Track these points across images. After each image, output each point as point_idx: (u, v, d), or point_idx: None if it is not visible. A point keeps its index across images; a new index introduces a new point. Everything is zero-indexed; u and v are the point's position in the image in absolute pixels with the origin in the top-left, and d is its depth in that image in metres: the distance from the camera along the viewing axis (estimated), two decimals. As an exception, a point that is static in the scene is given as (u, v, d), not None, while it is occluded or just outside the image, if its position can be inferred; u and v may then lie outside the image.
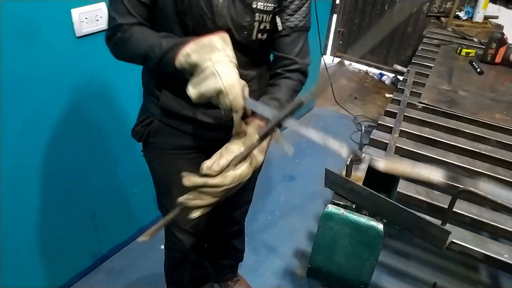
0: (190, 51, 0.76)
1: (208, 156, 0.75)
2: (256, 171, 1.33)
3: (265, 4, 0.89)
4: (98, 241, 1.76)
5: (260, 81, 1.05)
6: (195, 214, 0.73)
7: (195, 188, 0.69)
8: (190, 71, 0.77)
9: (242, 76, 0.94)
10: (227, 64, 0.75)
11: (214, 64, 0.74)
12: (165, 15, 0.90)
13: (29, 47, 1.19)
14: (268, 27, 0.93)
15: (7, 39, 1.13)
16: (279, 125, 0.73)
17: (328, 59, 4.28)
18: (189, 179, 0.68)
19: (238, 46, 0.92)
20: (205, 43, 0.77)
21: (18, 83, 1.21)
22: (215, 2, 0.87)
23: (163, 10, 0.89)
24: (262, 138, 0.73)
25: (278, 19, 0.93)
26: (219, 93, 0.74)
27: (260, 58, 1.03)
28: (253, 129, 0.79)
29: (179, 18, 0.89)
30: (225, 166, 0.70)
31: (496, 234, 0.91)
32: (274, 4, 0.91)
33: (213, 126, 1.02)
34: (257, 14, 0.89)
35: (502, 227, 0.89)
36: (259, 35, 0.93)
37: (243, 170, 0.72)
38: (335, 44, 4.27)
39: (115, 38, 0.89)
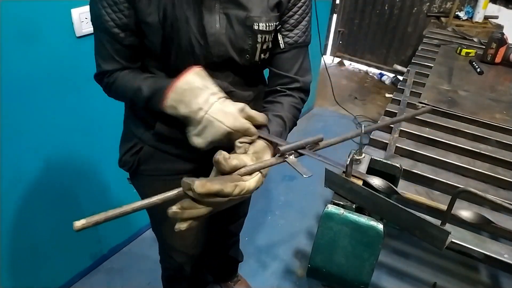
0: (174, 102, 0.73)
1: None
2: None
3: (268, 24, 0.83)
4: (98, 241, 1.76)
5: (260, 99, 1.00)
6: (184, 225, 0.63)
7: (205, 196, 0.59)
8: (185, 121, 0.74)
9: (244, 98, 0.91)
10: (219, 104, 0.71)
11: (207, 111, 0.70)
12: (151, 45, 0.83)
13: (29, 47, 1.19)
14: (270, 46, 0.88)
15: (7, 39, 1.13)
16: (297, 150, 0.71)
17: (328, 59, 4.28)
18: (204, 185, 0.58)
19: (239, 69, 0.88)
20: (184, 87, 0.72)
21: (18, 83, 1.21)
22: (211, 30, 0.80)
23: (150, 41, 0.82)
24: (282, 155, 0.70)
25: (279, 36, 0.88)
26: (228, 134, 0.71)
27: (259, 76, 1.00)
28: (263, 146, 0.74)
29: (164, 47, 0.82)
30: (237, 167, 0.64)
31: (496, 234, 0.91)
32: (276, 22, 0.85)
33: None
34: (259, 36, 0.83)
35: (502, 227, 0.89)
36: (262, 55, 0.87)
37: (250, 183, 0.65)
38: (335, 44, 4.27)
39: (102, 83, 0.89)
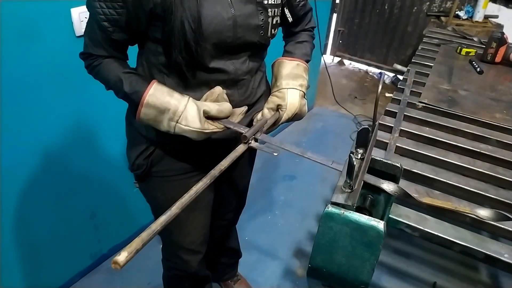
0: (146, 121, 0.85)
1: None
2: (248, 172, 1.32)
3: None
4: (98, 241, 1.76)
5: (263, 79, 1.05)
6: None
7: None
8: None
9: (251, 86, 0.98)
10: (182, 116, 0.83)
11: (175, 127, 0.84)
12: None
13: (29, 46, 1.19)
14: (279, 21, 0.94)
15: (7, 39, 1.13)
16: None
17: (328, 59, 4.28)
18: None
19: (254, 50, 0.93)
20: (148, 113, 0.84)
21: (18, 83, 1.21)
22: (226, 15, 0.83)
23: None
24: (247, 142, 0.81)
25: (286, 11, 0.96)
26: (201, 132, 0.85)
27: (262, 54, 1.02)
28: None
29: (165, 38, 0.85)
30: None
31: (496, 234, 0.91)
32: None
33: (225, 141, 0.97)
34: (269, 10, 0.89)
35: (502, 226, 0.89)
36: (273, 31, 0.93)
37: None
38: (335, 44, 4.27)
39: (86, 62, 0.91)
